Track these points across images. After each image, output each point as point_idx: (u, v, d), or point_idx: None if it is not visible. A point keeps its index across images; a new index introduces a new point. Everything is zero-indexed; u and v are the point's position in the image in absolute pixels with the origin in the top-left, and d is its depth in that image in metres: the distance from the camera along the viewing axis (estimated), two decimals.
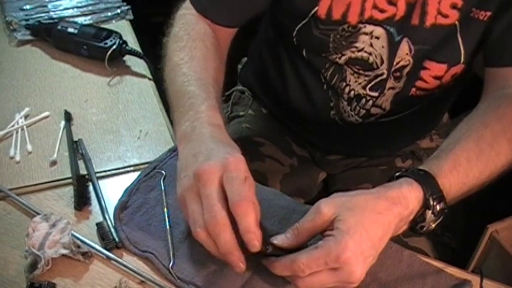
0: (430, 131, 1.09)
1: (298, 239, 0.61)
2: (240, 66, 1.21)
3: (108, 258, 0.69)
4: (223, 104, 1.15)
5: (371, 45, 0.86)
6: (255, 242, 0.58)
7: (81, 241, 0.69)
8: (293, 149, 1.08)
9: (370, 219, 0.59)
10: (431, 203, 0.64)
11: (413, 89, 0.90)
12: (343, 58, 0.88)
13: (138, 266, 0.68)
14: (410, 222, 0.66)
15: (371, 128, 0.96)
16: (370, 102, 0.93)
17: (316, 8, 0.83)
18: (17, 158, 0.84)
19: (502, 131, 0.72)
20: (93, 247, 0.69)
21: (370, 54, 0.87)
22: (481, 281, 0.69)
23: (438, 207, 0.64)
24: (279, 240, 0.62)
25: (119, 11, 1.19)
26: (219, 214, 0.57)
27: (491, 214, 1.15)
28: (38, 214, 0.72)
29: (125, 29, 1.15)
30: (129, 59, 1.06)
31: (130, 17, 1.20)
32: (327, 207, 0.60)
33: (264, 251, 0.60)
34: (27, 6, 1.17)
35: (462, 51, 0.83)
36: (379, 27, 0.83)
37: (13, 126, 0.89)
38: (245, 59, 1.19)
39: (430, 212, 0.64)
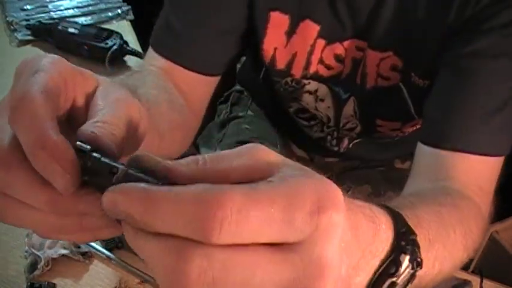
0: None
1: (203, 174, 0.29)
2: (239, 66, 1.21)
3: (108, 258, 0.69)
4: (222, 105, 1.15)
5: (316, 108, 0.86)
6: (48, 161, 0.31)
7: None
8: (292, 150, 1.08)
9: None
10: (406, 244, 0.40)
11: (376, 136, 0.89)
12: (291, 110, 0.89)
13: (138, 266, 0.68)
14: (374, 273, 0.39)
15: (364, 146, 0.96)
16: (335, 141, 0.94)
17: (262, 49, 0.77)
18: None
19: (459, 221, 0.56)
20: (93, 247, 0.69)
21: (317, 110, 0.87)
22: (481, 281, 0.69)
23: (416, 253, 0.41)
24: (160, 162, 0.30)
25: (119, 11, 1.19)
26: None
27: (492, 214, 1.15)
28: None
29: (125, 29, 1.15)
30: (129, 59, 1.06)
31: (131, 17, 1.20)
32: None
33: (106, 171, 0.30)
34: (28, 7, 1.17)
35: (413, 110, 0.78)
36: (323, 85, 0.81)
37: None
38: (244, 58, 1.19)
39: (408, 257, 0.40)
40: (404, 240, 0.40)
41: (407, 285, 0.41)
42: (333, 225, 0.28)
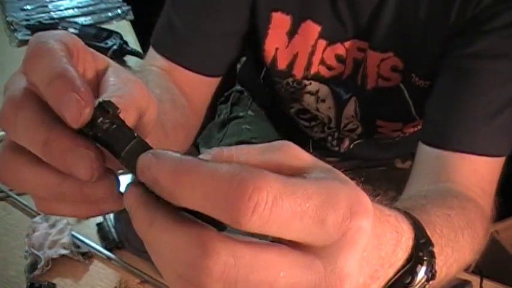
0: None
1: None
2: (239, 66, 1.21)
3: (108, 258, 0.69)
4: (222, 105, 1.15)
5: (317, 109, 0.85)
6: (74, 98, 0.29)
7: (82, 241, 0.70)
8: None
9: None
10: (423, 255, 0.39)
11: (376, 137, 0.89)
12: (292, 110, 0.88)
13: (138, 266, 0.68)
14: (389, 279, 0.38)
15: (365, 146, 0.96)
16: (336, 141, 0.94)
17: (263, 49, 0.77)
18: None
19: (467, 224, 0.55)
20: (93, 247, 0.69)
21: (318, 111, 0.87)
22: (481, 281, 0.69)
23: (432, 265, 0.40)
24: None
25: (119, 11, 1.19)
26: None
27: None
28: (38, 214, 0.72)
29: (125, 29, 1.15)
30: (129, 59, 1.06)
31: (131, 17, 1.20)
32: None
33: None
34: (28, 7, 1.17)
35: (414, 111, 0.79)
36: (324, 85, 0.81)
37: None
38: (244, 58, 1.19)
39: (424, 269, 0.39)
40: (422, 251, 0.39)
41: None
42: (361, 233, 0.27)
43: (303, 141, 1.06)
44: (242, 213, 0.24)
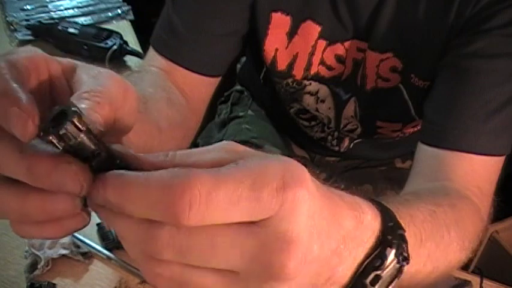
0: None
1: (172, 165, 0.30)
2: (239, 66, 1.21)
3: (108, 258, 0.69)
4: (222, 105, 1.15)
5: (316, 109, 0.85)
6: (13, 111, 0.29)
7: (82, 241, 0.70)
8: (293, 150, 1.08)
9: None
10: (392, 238, 0.39)
11: (376, 137, 0.89)
12: (292, 110, 0.88)
13: (138, 266, 0.68)
14: (359, 265, 0.38)
15: (364, 146, 0.96)
16: (336, 141, 0.94)
17: (263, 49, 0.77)
18: None
19: (455, 221, 0.55)
20: (93, 247, 0.69)
21: (317, 111, 0.87)
22: (481, 281, 0.69)
23: (403, 248, 0.40)
24: (132, 156, 0.31)
25: (119, 11, 1.19)
26: None
27: (492, 215, 1.15)
28: None
29: (125, 29, 1.15)
30: (129, 59, 1.06)
31: (131, 17, 1.20)
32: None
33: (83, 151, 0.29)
34: (28, 7, 1.17)
35: (413, 111, 0.79)
36: (324, 86, 0.81)
37: None
38: (244, 58, 1.19)
39: (393, 251, 0.39)
40: (391, 235, 0.39)
41: (394, 280, 0.40)
42: (299, 201, 0.29)
43: (303, 141, 1.06)
44: (179, 214, 0.27)
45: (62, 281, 0.66)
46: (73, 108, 0.28)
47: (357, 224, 0.36)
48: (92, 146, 0.29)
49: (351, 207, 0.36)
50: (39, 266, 0.65)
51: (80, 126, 0.28)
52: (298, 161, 0.30)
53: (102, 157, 0.29)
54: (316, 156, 1.08)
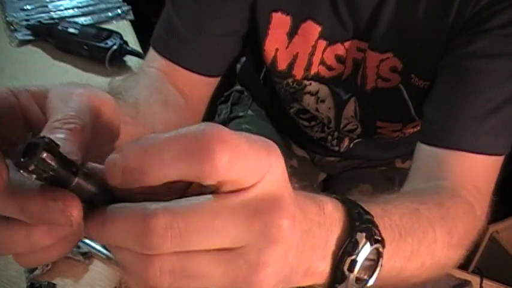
0: None
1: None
2: (239, 66, 1.21)
3: (108, 258, 0.69)
4: (222, 105, 1.15)
5: (317, 109, 0.85)
6: None
7: (82, 241, 0.70)
8: (293, 150, 1.08)
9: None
10: (361, 223, 0.41)
11: (376, 137, 0.89)
12: (292, 110, 0.88)
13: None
14: (333, 255, 0.40)
15: (364, 145, 0.96)
16: (336, 141, 0.94)
17: (263, 49, 0.78)
18: None
19: (441, 218, 0.56)
20: (93, 247, 0.69)
21: (317, 111, 0.87)
22: (481, 281, 0.69)
23: (373, 231, 0.42)
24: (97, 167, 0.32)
25: (119, 11, 1.19)
26: None
27: (491, 214, 1.15)
28: None
29: (125, 29, 1.15)
30: (129, 59, 1.06)
31: (131, 17, 1.20)
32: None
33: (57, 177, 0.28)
34: (28, 7, 1.17)
35: (413, 111, 0.79)
36: (324, 85, 0.81)
37: None
38: (244, 58, 1.19)
39: (364, 235, 0.40)
40: (359, 220, 0.41)
41: (376, 265, 0.42)
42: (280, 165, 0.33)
43: (303, 141, 1.06)
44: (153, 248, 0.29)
45: (62, 281, 0.66)
46: (45, 140, 0.27)
47: (319, 211, 0.39)
48: (70, 174, 0.29)
49: (311, 198, 0.39)
50: (39, 266, 0.65)
51: (49, 160, 0.27)
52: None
53: (83, 183, 0.29)
54: (316, 156, 1.08)
